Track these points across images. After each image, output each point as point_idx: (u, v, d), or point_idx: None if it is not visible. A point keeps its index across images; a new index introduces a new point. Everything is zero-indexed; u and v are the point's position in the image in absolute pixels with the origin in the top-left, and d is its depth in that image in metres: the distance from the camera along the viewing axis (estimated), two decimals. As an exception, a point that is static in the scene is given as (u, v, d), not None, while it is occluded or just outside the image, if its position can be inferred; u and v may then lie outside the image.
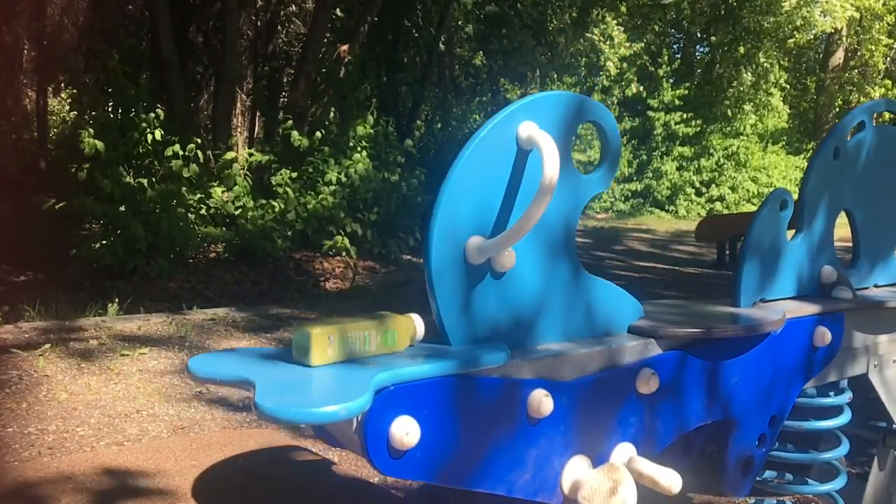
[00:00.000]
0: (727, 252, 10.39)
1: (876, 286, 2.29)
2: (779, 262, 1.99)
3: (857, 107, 2.21)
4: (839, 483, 2.16)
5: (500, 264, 1.47)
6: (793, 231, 2.06)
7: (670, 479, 1.46)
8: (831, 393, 2.16)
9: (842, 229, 2.18)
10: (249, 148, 11.39)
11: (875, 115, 2.26)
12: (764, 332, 1.78)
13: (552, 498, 1.49)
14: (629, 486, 1.41)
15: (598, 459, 1.53)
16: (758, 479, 2.13)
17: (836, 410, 2.15)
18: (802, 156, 21.81)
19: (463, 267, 1.45)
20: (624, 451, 1.56)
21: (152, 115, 7.62)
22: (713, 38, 21.02)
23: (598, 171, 1.62)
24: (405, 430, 1.26)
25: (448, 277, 1.43)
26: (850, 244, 2.28)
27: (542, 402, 1.41)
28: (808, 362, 1.93)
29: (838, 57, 23.12)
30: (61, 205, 7.27)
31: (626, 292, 1.70)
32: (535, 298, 1.55)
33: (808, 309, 1.93)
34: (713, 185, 19.48)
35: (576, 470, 1.50)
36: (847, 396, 2.15)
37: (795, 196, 2.03)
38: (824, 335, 1.92)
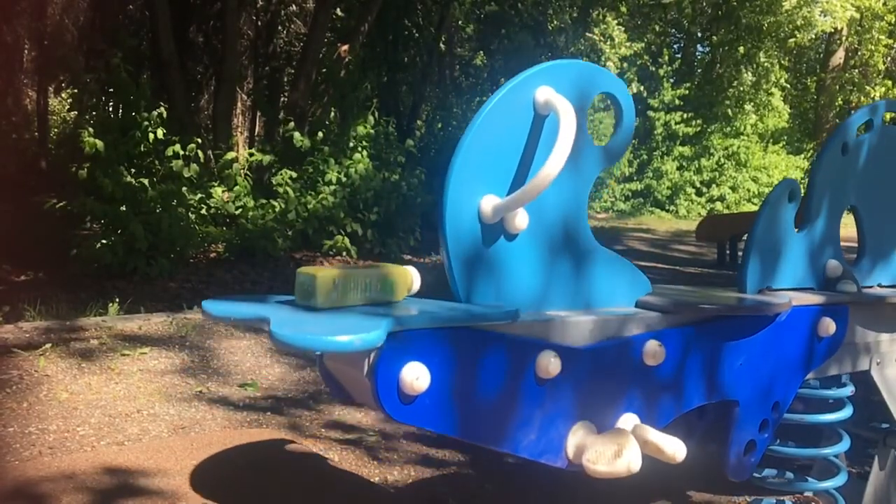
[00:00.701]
0: (727, 252, 10.38)
1: (880, 286, 2.30)
2: (785, 252, 2.00)
3: (866, 105, 2.23)
4: (839, 480, 2.17)
5: (513, 225, 1.49)
6: (799, 225, 2.07)
7: (675, 447, 1.46)
8: (834, 387, 2.17)
9: (846, 229, 2.18)
10: (250, 148, 11.39)
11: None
12: (770, 315, 1.80)
13: (556, 460, 1.50)
14: (635, 450, 1.41)
15: (603, 428, 1.54)
16: (758, 475, 2.14)
17: (837, 404, 2.16)
18: (803, 155, 21.81)
19: (477, 226, 1.47)
20: (628, 422, 1.57)
21: (154, 113, 7.61)
22: (714, 38, 21.02)
23: (612, 143, 1.64)
24: (416, 375, 1.28)
25: (461, 235, 1.45)
26: (855, 244, 2.29)
27: (551, 363, 1.43)
28: (811, 352, 1.94)
29: (839, 57, 23.11)
30: (62, 205, 7.27)
31: (636, 268, 1.71)
32: (546, 263, 1.57)
33: (814, 299, 1.94)
34: (713, 185, 19.48)
35: (581, 434, 1.51)
36: (849, 390, 2.16)
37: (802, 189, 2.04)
38: (829, 325, 1.94)
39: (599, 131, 16.87)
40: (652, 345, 1.58)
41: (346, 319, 1.30)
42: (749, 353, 1.78)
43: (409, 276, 1.48)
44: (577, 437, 1.50)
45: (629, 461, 1.39)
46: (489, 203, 1.46)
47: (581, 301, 1.61)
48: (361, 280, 1.42)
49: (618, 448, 1.41)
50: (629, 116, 1.64)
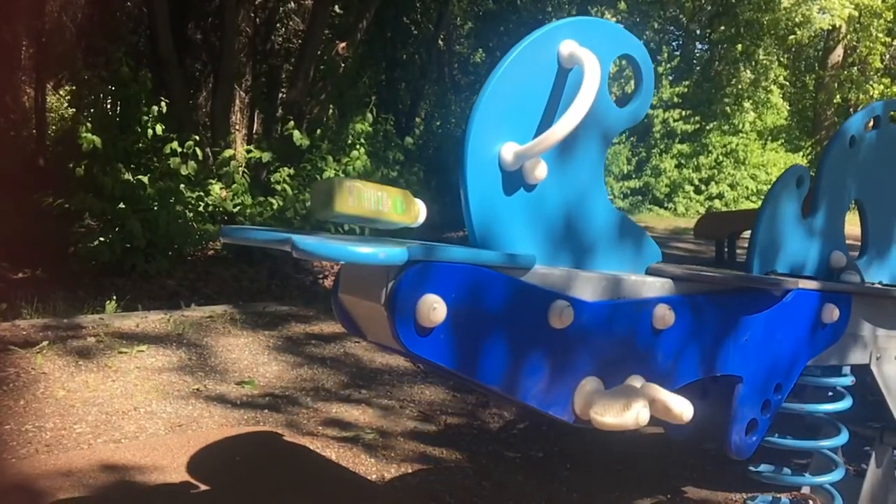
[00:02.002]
0: (726, 249, 10.38)
1: (880, 283, 2.30)
2: (791, 239, 2.02)
3: (875, 102, 2.24)
4: (836, 476, 2.17)
5: (533, 175, 1.51)
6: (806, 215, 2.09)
7: (682, 406, 1.47)
8: (834, 378, 2.17)
9: (850, 227, 2.19)
10: (248, 145, 11.38)
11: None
12: (777, 293, 1.81)
13: (563, 413, 1.51)
14: (643, 403, 1.42)
15: (611, 385, 1.56)
16: (754, 470, 2.14)
17: (837, 395, 2.17)
18: (801, 153, 21.80)
19: (497, 172, 1.48)
20: (635, 382, 1.58)
21: (155, 108, 7.60)
22: (713, 36, 21.01)
23: (632, 105, 1.66)
24: (432, 306, 1.29)
25: (481, 181, 1.47)
26: (858, 242, 2.30)
27: (564, 311, 1.44)
28: (814, 336, 1.96)
29: (837, 54, 23.12)
30: (60, 201, 7.26)
31: (648, 235, 1.73)
32: (562, 217, 1.58)
33: (818, 285, 1.95)
34: (712, 183, 19.46)
35: (588, 389, 1.52)
36: (849, 380, 2.16)
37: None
38: (832, 312, 1.95)
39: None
40: (662, 308, 1.60)
41: (369, 243, 1.31)
42: (754, 331, 1.80)
43: (417, 206, 1.54)
44: (584, 392, 1.52)
45: (637, 413, 1.40)
46: (510, 150, 1.48)
47: (591, 261, 1.64)
48: (374, 193, 1.45)
49: (626, 401, 1.42)
50: (649, 80, 1.66)
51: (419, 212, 1.53)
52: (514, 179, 1.50)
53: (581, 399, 1.51)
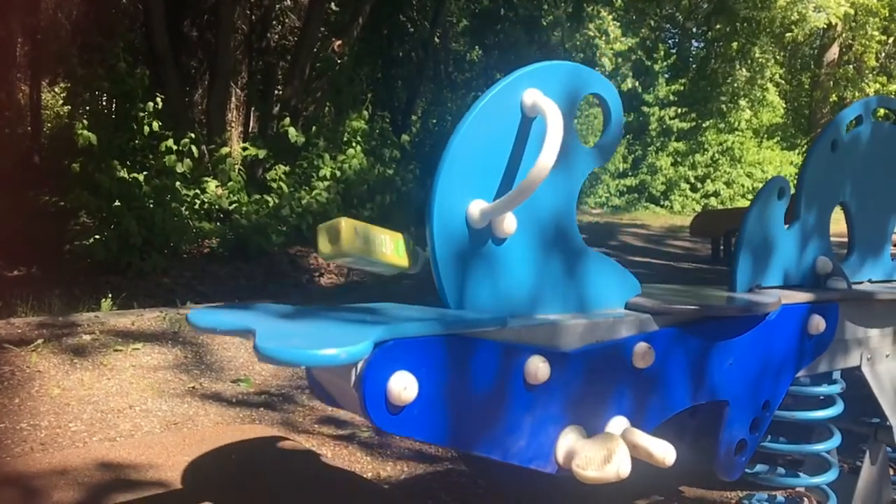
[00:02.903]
0: (721, 247, 10.40)
1: (870, 281, 2.30)
2: (775, 249, 2.00)
3: (856, 101, 2.22)
4: (831, 476, 2.17)
5: (502, 230, 1.48)
6: (789, 222, 2.07)
7: (665, 451, 1.46)
8: (824, 384, 2.17)
9: (836, 224, 2.19)
10: (244, 143, 11.36)
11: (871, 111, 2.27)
12: (760, 314, 1.79)
13: (546, 466, 1.49)
14: (624, 455, 1.41)
15: (593, 431, 1.54)
16: (749, 471, 2.14)
17: (828, 401, 2.16)
18: (797, 151, 21.84)
19: (465, 230, 1.46)
20: (618, 425, 1.56)
21: (151, 104, 7.59)
22: (709, 34, 21.03)
23: (601, 144, 1.63)
24: (403, 385, 1.27)
25: (450, 240, 1.44)
26: (845, 239, 2.29)
27: (539, 368, 1.42)
28: (801, 349, 1.94)
29: (833, 52, 23.15)
30: (55, 199, 7.25)
31: (625, 269, 1.71)
32: (535, 267, 1.56)
33: (804, 297, 1.94)
34: (708, 181, 19.51)
35: (570, 439, 1.50)
36: (839, 387, 2.16)
37: (792, 187, 2.04)
38: (819, 323, 1.94)
39: (595, 126, 16.90)
40: (641, 347, 1.58)
41: (332, 329, 1.29)
42: (739, 353, 1.78)
43: (415, 249, 1.52)
44: (566, 442, 1.49)
45: (618, 466, 1.39)
46: (477, 207, 1.45)
47: (570, 304, 1.61)
48: (378, 235, 1.46)
49: (607, 453, 1.41)
50: (618, 118, 1.63)
51: (418, 257, 1.52)
52: (483, 235, 1.47)
53: (563, 450, 1.49)
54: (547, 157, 1.40)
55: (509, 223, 1.48)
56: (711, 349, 1.72)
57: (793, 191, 2.04)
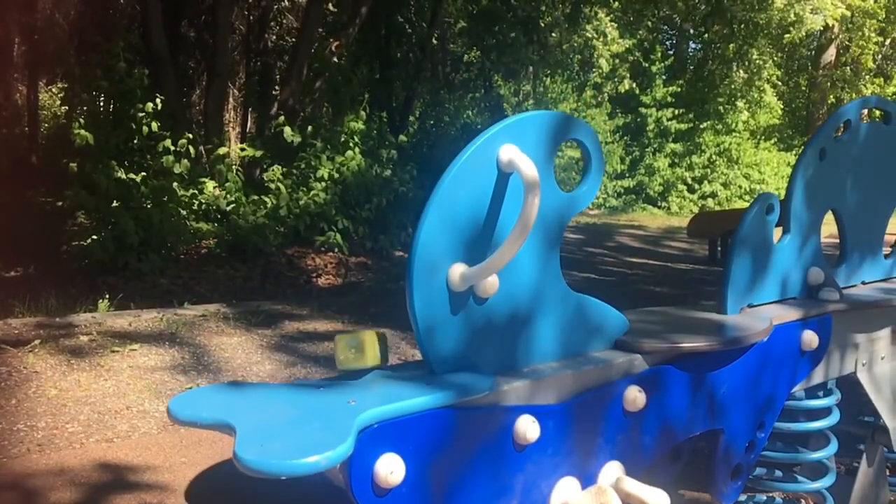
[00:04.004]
0: (719, 248, 10.41)
1: (863, 283, 2.29)
2: (765, 266, 1.98)
3: (843, 106, 2.21)
4: (828, 481, 2.17)
5: (483, 290, 1.44)
6: (779, 233, 2.06)
7: (658, 499, 1.45)
8: (819, 394, 2.16)
9: (828, 226, 2.18)
10: (242, 143, 11.35)
11: (863, 112, 2.26)
12: (750, 344, 1.77)
13: None
14: None
15: (587, 479, 1.52)
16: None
17: (824, 412, 2.15)
18: (794, 152, 21.87)
19: (445, 294, 1.43)
20: (612, 470, 1.55)
21: (150, 105, 7.57)
22: (706, 36, 21.05)
23: (582, 188, 1.60)
24: (390, 469, 1.25)
25: (431, 305, 1.41)
26: (837, 240, 2.28)
27: (529, 428, 1.40)
28: (795, 367, 1.92)
29: (830, 54, 23.20)
30: (52, 199, 7.23)
31: (611, 307, 1.68)
32: (520, 322, 1.53)
33: (796, 314, 1.92)
34: (705, 182, 19.52)
35: (564, 492, 1.48)
36: (835, 398, 2.15)
37: (782, 196, 2.03)
38: (812, 340, 1.92)
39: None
40: (632, 391, 1.55)
41: (315, 424, 1.26)
42: (731, 381, 1.75)
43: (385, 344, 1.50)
44: (560, 496, 1.48)
45: None
46: (457, 271, 1.42)
47: (558, 352, 1.58)
48: (381, 341, 1.44)
49: None
50: (598, 161, 1.60)
51: (387, 353, 1.52)
52: (464, 298, 1.44)
53: (557, 502, 1.48)
54: (524, 223, 1.37)
55: (491, 284, 1.44)
56: (703, 381, 1.70)
57: (782, 198, 2.02)
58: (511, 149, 1.45)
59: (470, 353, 1.47)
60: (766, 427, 1.87)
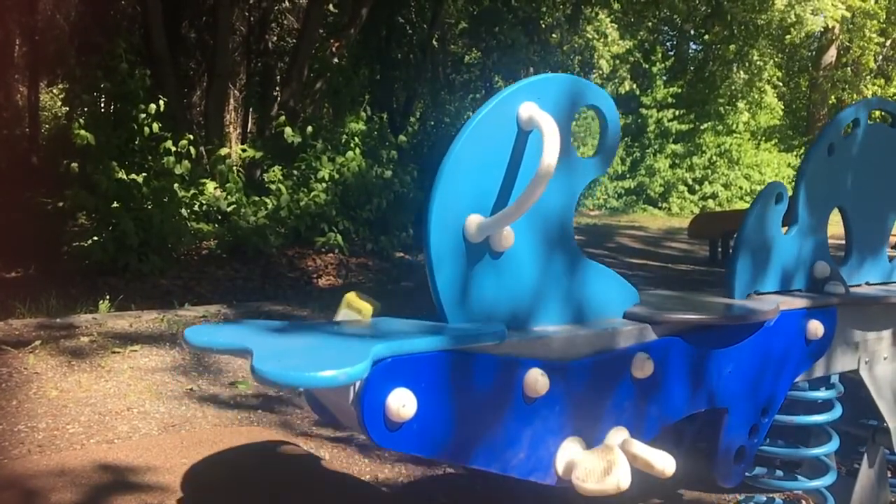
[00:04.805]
0: (719, 249, 10.41)
1: (868, 283, 2.30)
2: (772, 255, 2.00)
3: (853, 104, 2.22)
4: (829, 479, 2.17)
5: (499, 244, 1.48)
6: (786, 226, 2.07)
7: (664, 462, 1.46)
8: (822, 388, 2.17)
9: (834, 227, 2.19)
10: (242, 144, 11.36)
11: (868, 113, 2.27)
12: (758, 322, 1.79)
13: (546, 478, 1.50)
14: (623, 467, 1.41)
15: (592, 442, 1.54)
16: (747, 474, 2.14)
17: (826, 405, 2.16)
18: (794, 153, 21.87)
19: (462, 245, 1.45)
20: (618, 435, 1.57)
21: (153, 106, 7.57)
22: (706, 37, 21.05)
23: (597, 156, 1.64)
24: (402, 402, 1.27)
25: (447, 255, 1.44)
26: (843, 241, 2.29)
27: (539, 381, 1.42)
28: (800, 355, 1.94)
29: (830, 55, 23.18)
30: (53, 200, 7.24)
31: (622, 278, 1.71)
32: (533, 280, 1.55)
33: (802, 302, 1.94)
34: (706, 183, 19.52)
35: (570, 451, 1.50)
36: (837, 391, 2.16)
37: (789, 191, 2.04)
38: (817, 329, 1.94)
39: (593, 130, 16.89)
40: (640, 358, 1.57)
41: (331, 350, 1.28)
42: (737, 360, 1.77)
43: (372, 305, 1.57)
44: (566, 454, 1.49)
45: (618, 479, 1.39)
46: (474, 222, 1.44)
47: (568, 315, 1.60)
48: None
49: (607, 465, 1.41)
50: (614, 128, 1.63)
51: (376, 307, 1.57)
52: (479, 250, 1.47)
53: (563, 462, 1.49)
54: (544, 171, 1.39)
55: (507, 237, 1.47)
56: (710, 357, 1.72)
57: (790, 193, 2.04)
58: (531, 106, 1.48)
59: (483, 307, 1.49)
60: (769, 413, 1.89)
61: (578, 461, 1.46)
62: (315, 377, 1.15)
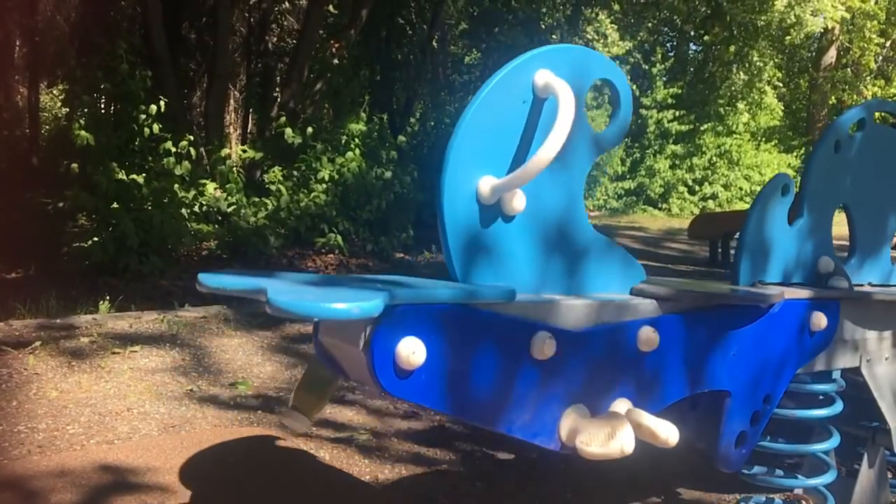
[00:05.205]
0: (719, 250, 10.41)
1: (870, 284, 2.31)
2: (778, 246, 2.02)
3: (859, 105, 2.25)
4: (829, 478, 2.18)
5: (511, 207, 1.50)
6: (792, 221, 2.09)
7: (668, 431, 1.47)
8: (824, 383, 2.18)
9: (838, 228, 2.20)
10: (242, 145, 11.36)
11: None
12: (763, 306, 1.81)
13: (550, 443, 1.51)
14: (628, 432, 1.42)
15: (597, 412, 1.56)
16: (747, 472, 2.15)
17: (828, 399, 2.17)
18: (794, 154, 21.87)
19: (475, 207, 1.48)
20: (621, 406, 1.58)
21: (154, 106, 7.57)
22: (706, 38, 21.05)
23: (609, 129, 1.66)
24: (412, 349, 1.29)
25: (459, 215, 1.46)
26: (846, 242, 2.30)
27: (546, 343, 1.44)
28: (803, 345, 1.96)
29: (830, 56, 23.19)
30: (53, 201, 7.24)
31: (631, 256, 1.73)
32: (542, 246, 1.58)
33: (806, 293, 1.96)
34: (706, 183, 19.52)
35: (574, 417, 1.52)
36: (838, 386, 2.17)
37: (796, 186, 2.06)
38: (820, 320, 1.95)
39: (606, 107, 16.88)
40: (646, 331, 1.59)
41: (344, 291, 1.31)
42: (741, 344, 1.79)
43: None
44: (570, 420, 1.51)
45: (623, 443, 1.40)
46: (487, 184, 1.47)
47: (576, 286, 1.63)
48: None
49: (611, 430, 1.42)
50: (627, 102, 1.66)
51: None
52: (492, 212, 1.50)
53: (567, 427, 1.50)
54: (558, 134, 1.42)
55: (518, 201, 1.50)
56: (715, 338, 1.74)
57: (796, 189, 2.05)
58: (547, 73, 1.50)
59: (492, 269, 1.52)
60: (771, 401, 1.90)
61: (583, 426, 1.47)
62: (329, 308, 1.18)
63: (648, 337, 1.59)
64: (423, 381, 1.33)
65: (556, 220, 1.58)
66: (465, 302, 1.37)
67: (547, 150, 1.42)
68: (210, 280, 1.42)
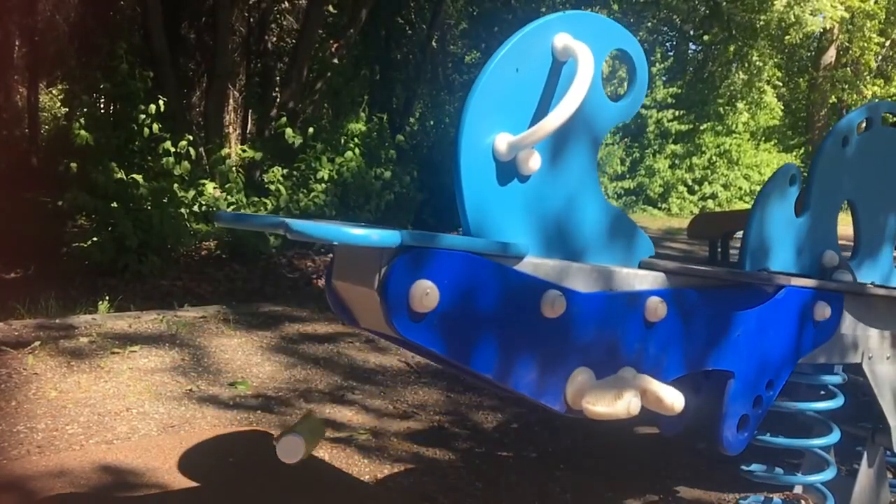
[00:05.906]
0: (719, 249, 10.40)
1: (873, 284, 2.31)
2: (784, 236, 2.03)
3: (866, 104, 2.27)
4: (828, 475, 2.18)
5: (526, 166, 1.52)
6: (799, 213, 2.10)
7: (673, 397, 1.49)
8: (825, 376, 2.18)
9: (841, 228, 2.20)
10: (242, 145, 11.35)
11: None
12: (769, 288, 1.83)
13: (556, 403, 1.53)
14: (634, 393, 1.43)
15: (602, 376, 1.57)
16: (746, 468, 2.15)
17: (829, 393, 2.18)
18: (794, 153, 21.87)
19: (491, 163, 1.50)
20: (627, 374, 1.59)
21: (153, 106, 7.56)
22: (705, 37, 21.05)
23: (625, 100, 1.67)
24: (425, 291, 1.31)
25: (475, 171, 1.48)
26: (850, 243, 2.31)
27: (556, 301, 1.46)
28: (806, 334, 1.97)
29: (830, 55, 23.19)
30: (52, 201, 7.23)
31: (640, 229, 1.75)
32: (555, 210, 1.60)
33: (811, 283, 1.97)
34: (705, 183, 19.51)
35: (580, 380, 1.53)
36: (840, 378, 2.17)
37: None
38: (824, 310, 1.96)
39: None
40: (654, 301, 1.61)
41: (360, 226, 1.34)
42: (746, 326, 1.81)
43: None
44: (576, 383, 1.53)
45: (629, 402, 1.42)
46: (504, 140, 1.49)
47: (586, 252, 1.65)
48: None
49: (617, 391, 1.44)
50: (643, 75, 1.68)
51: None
52: (507, 170, 1.52)
53: (573, 389, 1.52)
54: (576, 93, 1.44)
55: (534, 160, 1.52)
56: (721, 317, 1.75)
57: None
58: (566, 36, 1.53)
59: (507, 226, 1.53)
60: (774, 387, 1.91)
61: (589, 387, 1.49)
62: (349, 233, 1.21)
63: (656, 307, 1.61)
64: (434, 325, 1.34)
65: (569, 186, 1.60)
66: (478, 252, 1.39)
67: (564, 109, 1.45)
68: (228, 217, 1.45)
